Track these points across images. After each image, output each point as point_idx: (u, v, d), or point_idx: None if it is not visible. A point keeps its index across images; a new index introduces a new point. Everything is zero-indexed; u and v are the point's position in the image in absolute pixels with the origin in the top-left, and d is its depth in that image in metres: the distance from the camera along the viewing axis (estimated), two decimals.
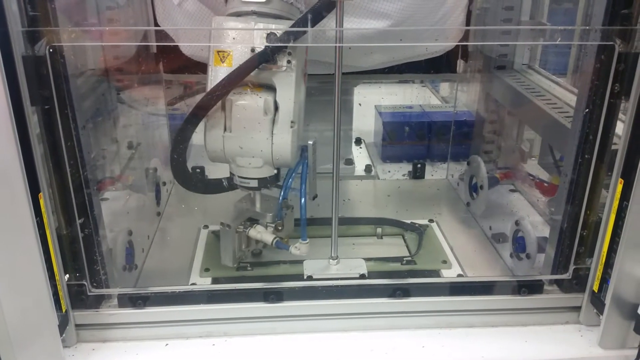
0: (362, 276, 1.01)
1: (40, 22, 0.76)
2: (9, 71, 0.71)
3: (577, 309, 0.97)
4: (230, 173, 0.99)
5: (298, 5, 0.91)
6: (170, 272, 1.11)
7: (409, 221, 1.25)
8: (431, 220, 1.27)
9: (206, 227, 1.22)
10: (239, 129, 0.91)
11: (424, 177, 1.56)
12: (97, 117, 0.98)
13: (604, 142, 0.88)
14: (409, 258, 1.13)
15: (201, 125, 0.92)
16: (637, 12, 0.81)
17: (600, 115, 0.86)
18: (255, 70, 0.86)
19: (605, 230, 0.89)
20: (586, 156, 0.89)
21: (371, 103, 1.75)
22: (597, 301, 0.93)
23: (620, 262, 0.86)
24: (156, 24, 1.10)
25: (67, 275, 0.88)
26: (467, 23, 1.17)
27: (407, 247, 1.20)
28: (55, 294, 0.84)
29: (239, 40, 0.86)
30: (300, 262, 1.03)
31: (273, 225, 1.03)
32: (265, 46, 0.85)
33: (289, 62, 0.87)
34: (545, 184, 1.24)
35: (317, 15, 0.83)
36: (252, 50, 0.86)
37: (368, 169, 1.60)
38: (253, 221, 1.04)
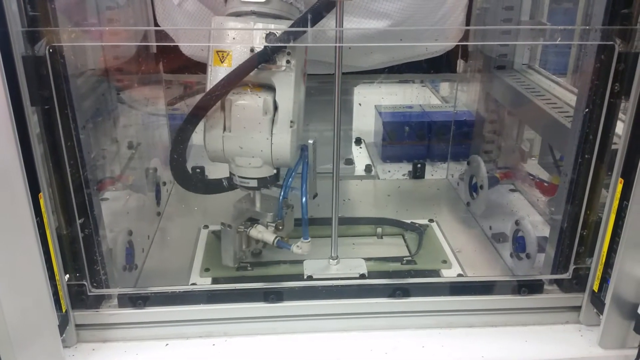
0: (362, 276, 1.01)
1: (40, 22, 0.76)
2: (8, 71, 0.71)
3: (577, 308, 0.97)
4: (230, 173, 0.98)
5: (298, 5, 0.90)
6: (170, 272, 1.11)
7: (409, 221, 1.25)
8: (431, 220, 1.27)
9: (206, 227, 1.22)
10: (238, 128, 0.91)
11: (424, 177, 1.55)
12: (97, 117, 0.98)
13: (604, 142, 0.88)
14: (409, 258, 1.13)
15: (201, 125, 0.92)
16: (637, 12, 0.81)
17: (600, 115, 0.86)
18: (255, 70, 0.86)
19: (605, 230, 0.89)
20: (586, 156, 0.89)
21: (371, 103, 1.75)
22: (597, 301, 0.93)
23: (620, 262, 0.86)
24: (156, 24, 1.10)
25: (67, 275, 0.89)
26: (467, 23, 1.17)
27: (407, 247, 1.20)
28: (55, 294, 0.84)
29: (238, 40, 0.86)
30: (300, 262, 1.03)
31: (273, 224, 1.03)
32: (265, 46, 0.85)
33: (288, 62, 0.87)
34: (545, 184, 1.24)
35: (316, 15, 0.83)
36: (252, 50, 0.86)
37: (368, 168, 1.60)
38: (253, 221, 1.04)
